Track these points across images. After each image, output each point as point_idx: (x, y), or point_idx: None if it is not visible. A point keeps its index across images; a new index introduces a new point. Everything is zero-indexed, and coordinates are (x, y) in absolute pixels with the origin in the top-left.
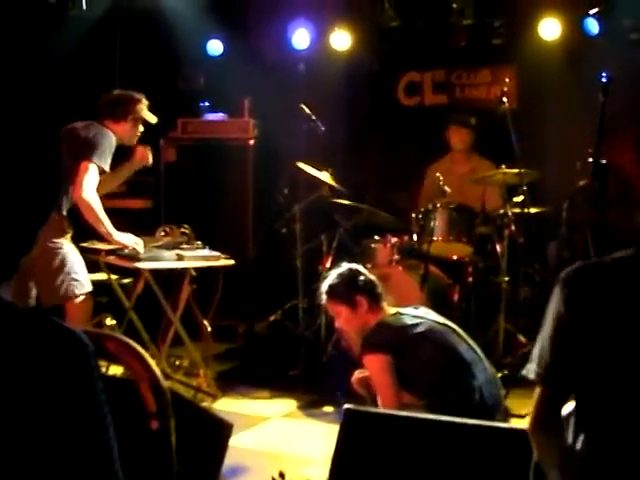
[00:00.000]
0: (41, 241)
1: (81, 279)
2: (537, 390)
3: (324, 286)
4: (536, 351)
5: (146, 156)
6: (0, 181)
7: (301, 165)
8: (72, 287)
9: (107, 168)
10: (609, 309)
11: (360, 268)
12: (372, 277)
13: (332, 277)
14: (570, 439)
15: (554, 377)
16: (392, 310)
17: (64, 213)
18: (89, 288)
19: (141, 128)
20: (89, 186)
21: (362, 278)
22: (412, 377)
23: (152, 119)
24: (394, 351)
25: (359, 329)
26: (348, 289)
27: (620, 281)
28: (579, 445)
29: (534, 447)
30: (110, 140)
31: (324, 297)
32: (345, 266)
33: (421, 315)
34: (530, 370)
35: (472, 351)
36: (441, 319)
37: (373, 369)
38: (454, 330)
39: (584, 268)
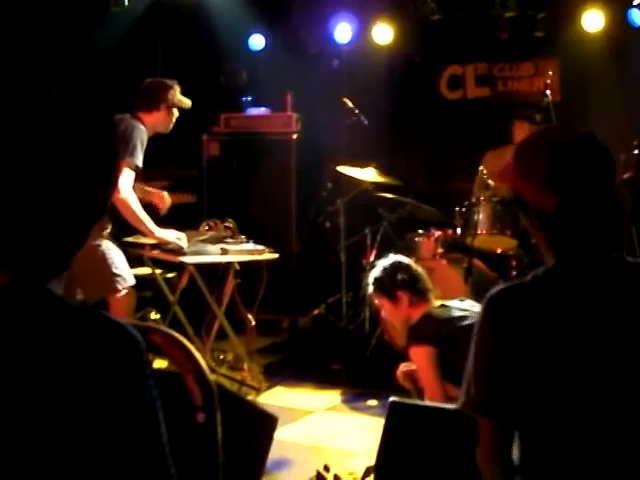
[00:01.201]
0: None
1: (123, 274)
2: (480, 424)
3: (370, 277)
4: (465, 385)
5: (163, 201)
6: (58, 173)
7: (341, 168)
8: (114, 282)
9: (140, 164)
10: (534, 331)
11: (405, 261)
12: (418, 270)
13: (378, 269)
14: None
15: (493, 407)
16: (438, 302)
17: None
18: (131, 282)
19: (177, 114)
20: (125, 185)
21: (405, 273)
22: (458, 370)
23: (187, 103)
24: (439, 343)
25: (402, 322)
26: (390, 283)
27: (540, 301)
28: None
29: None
30: (141, 134)
31: (370, 288)
32: (391, 258)
33: (467, 308)
34: (463, 403)
35: None
36: None
37: (419, 361)
38: None
39: (504, 292)
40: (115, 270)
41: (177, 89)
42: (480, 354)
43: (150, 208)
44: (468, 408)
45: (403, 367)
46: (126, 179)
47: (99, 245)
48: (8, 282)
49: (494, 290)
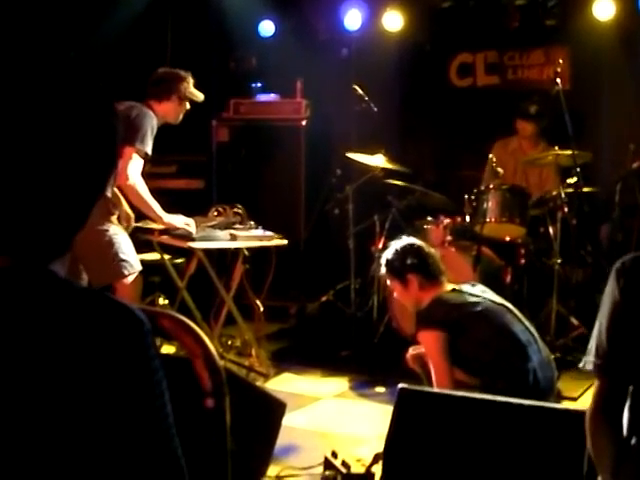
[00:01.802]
0: (87, 225)
1: (129, 259)
2: (595, 382)
3: (382, 258)
4: (592, 343)
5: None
6: (57, 155)
7: (351, 155)
8: (121, 267)
9: (149, 151)
10: None
11: (417, 244)
12: (429, 253)
13: (390, 250)
14: (625, 434)
15: (612, 367)
16: (450, 286)
17: (108, 195)
18: (138, 268)
19: (188, 106)
20: (133, 172)
21: (415, 256)
22: (467, 355)
23: (199, 97)
24: (450, 328)
25: (413, 305)
26: (400, 266)
27: None
28: (634, 441)
29: (588, 439)
30: (151, 121)
31: (382, 269)
32: (404, 241)
33: (478, 294)
34: (588, 362)
35: (527, 332)
36: (498, 298)
37: (428, 345)
38: (510, 310)
39: (638, 258)
40: (122, 255)
41: (190, 81)
42: (608, 315)
43: (159, 193)
44: (597, 364)
45: (412, 350)
46: (135, 166)
47: (106, 230)
48: (9, 264)
49: (627, 257)
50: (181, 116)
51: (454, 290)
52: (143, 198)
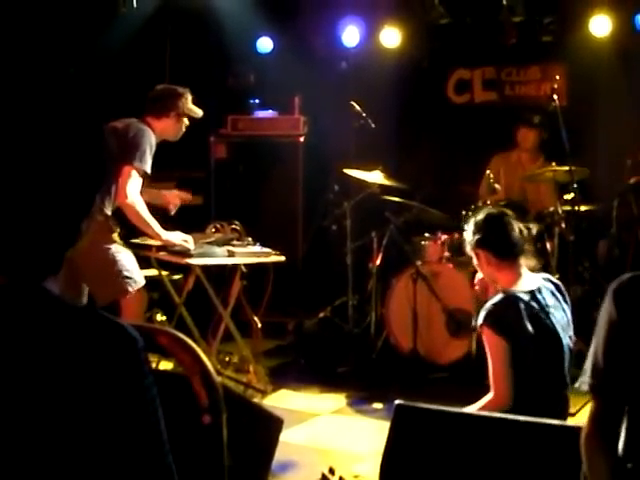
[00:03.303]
0: (89, 244)
1: (133, 275)
2: (591, 402)
3: (465, 233)
4: (588, 363)
5: (175, 199)
6: (45, 173)
7: (348, 171)
8: (124, 284)
9: (148, 169)
10: None
11: (495, 217)
12: (508, 228)
13: (470, 223)
14: (621, 453)
15: (608, 387)
16: (527, 279)
17: (108, 213)
18: (142, 283)
19: (187, 122)
20: (132, 190)
21: (485, 230)
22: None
23: (198, 113)
24: (513, 339)
25: (491, 282)
26: (472, 240)
27: None
28: (630, 465)
29: (584, 460)
30: (150, 139)
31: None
32: (480, 215)
33: (551, 311)
34: (583, 382)
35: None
36: (560, 325)
37: (493, 351)
38: (561, 344)
39: (636, 278)
40: (126, 273)
41: (189, 97)
42: (604, 335)
43: (158, 210)
44: (593, 385)
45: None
46: (134, 184)
47: (109, 248)
48: (4, 282)
49: (624, 277)
50: (180, 133)
51: (531, 294)
52: (142, 216)
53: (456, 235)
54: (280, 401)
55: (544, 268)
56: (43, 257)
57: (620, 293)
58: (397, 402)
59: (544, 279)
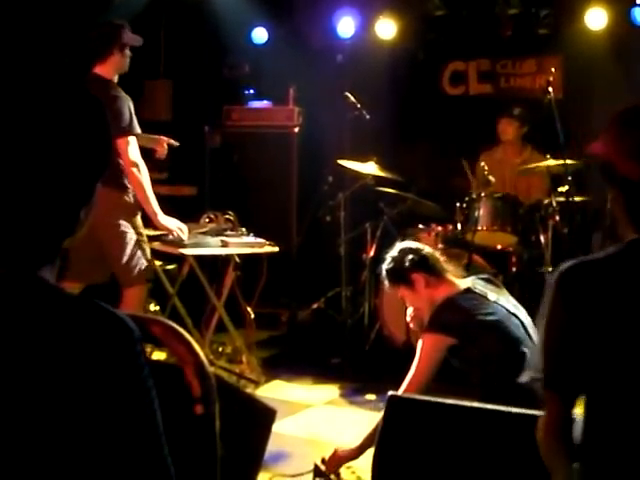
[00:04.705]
0: (112, 218)
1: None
2: (546, 402)
3: (382, 272)
4: (540, 361)
5: (163, 146)
6: (44, 160)
7: (342, 162)
8: (144, 271)
9: (139, 130)
10: (607, 306)
11: (412, 245)
12: (427, 250)
13: (386, 260)
14: (578, 443)
15: (559, 380)
16: (463, 284)
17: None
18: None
19: (129, 53)
20: (134, 155)
21: (413, 255)
22: (471, 362)
23: (138, 40)
24: (459, 334)
25: (428, 307)
26: (401, 269)
27: (615, 276)
28: (588, 451)
29: (542, 455)
30: (127, 102)
31: (386, 284)
32: (396, 247)
33: (493, 298)
34: (536, 379)
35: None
36: (511, 304)
37: (424, 347)
38: (522, 323)
39: (576, 267)
40: (145, 260)
41: (126, 28)
42: (550, 328)
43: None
44: (544, 379)
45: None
46: (134, 149)
47: (127, 232)
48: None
49: (565, 265)
50: (127, 66)
51: (468, 291)
52: (145, 191)
53: (450, 227)
54: (273, 392)
55: (538, 261)
56: (40, 246)
57: (563, 284)
58: (390, 393)
59: (473, 279)
